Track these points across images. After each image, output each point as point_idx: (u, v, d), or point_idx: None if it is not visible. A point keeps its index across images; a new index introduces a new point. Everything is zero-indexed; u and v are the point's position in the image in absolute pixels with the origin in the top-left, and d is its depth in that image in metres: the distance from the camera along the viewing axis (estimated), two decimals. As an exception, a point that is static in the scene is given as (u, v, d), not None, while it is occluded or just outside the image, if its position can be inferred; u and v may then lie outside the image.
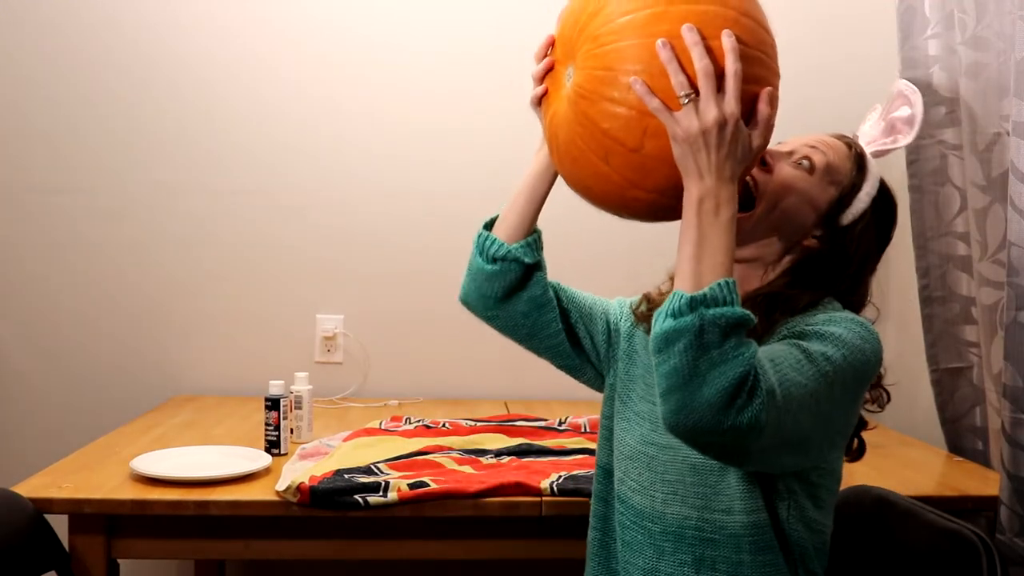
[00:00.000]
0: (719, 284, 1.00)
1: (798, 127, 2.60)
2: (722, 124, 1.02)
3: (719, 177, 1.03)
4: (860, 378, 1.15)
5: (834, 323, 1.15)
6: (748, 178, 1.21)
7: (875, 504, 1.50)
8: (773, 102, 1.09)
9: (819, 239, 1.25)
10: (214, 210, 2.56)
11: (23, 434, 2.53)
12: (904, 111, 1.37)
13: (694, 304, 0.99)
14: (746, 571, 1.20)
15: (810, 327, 1.14)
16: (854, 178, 1.27)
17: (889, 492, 1.52)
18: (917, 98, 1.38)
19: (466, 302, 1.42)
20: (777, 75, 1.13)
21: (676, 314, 0.99)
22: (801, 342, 1.11)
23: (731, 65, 1.03)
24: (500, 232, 1.37)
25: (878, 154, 1.37)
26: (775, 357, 1.05)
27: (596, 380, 1.46)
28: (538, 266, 1.38)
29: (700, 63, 1.02)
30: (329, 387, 2.54)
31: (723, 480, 1.20)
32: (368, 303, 2.60)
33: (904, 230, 2.14)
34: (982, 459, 1.99)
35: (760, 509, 1.19)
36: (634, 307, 1.39)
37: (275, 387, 1.92)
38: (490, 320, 1.41)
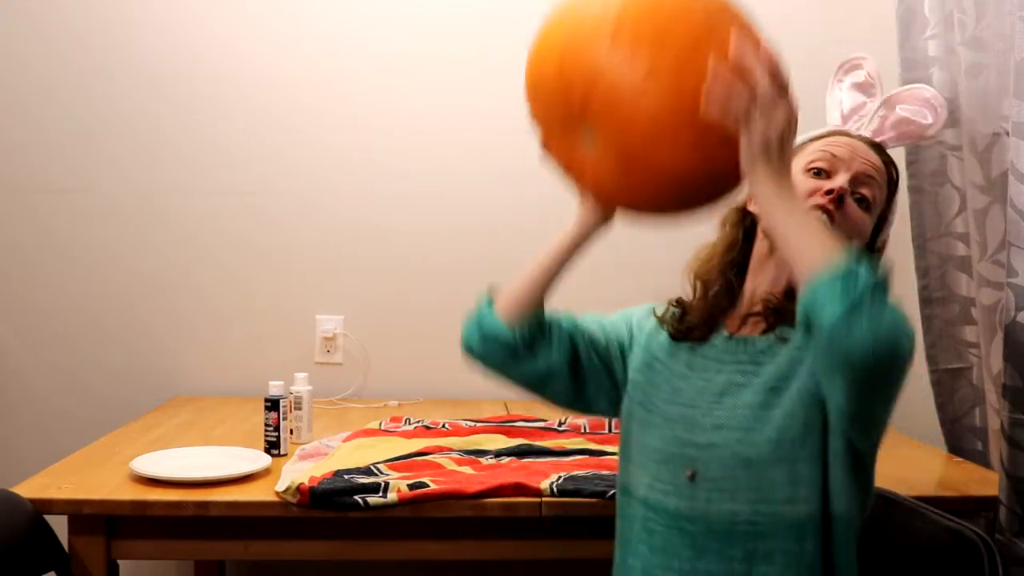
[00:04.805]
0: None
1: (800, 127, 2.56)
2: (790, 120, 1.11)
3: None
4: None
5: None
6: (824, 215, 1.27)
7: (878, 503, 1.50)
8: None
9: None
10: (214, 210, 2.56)
11: (23, 434, 2.53)
12: (926, 118, 1.39)
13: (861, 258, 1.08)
14: (808, 560, 1.20)
15: None
16: (888, 202, 1.35)
17: (891, 492, 1.52)
18: (941, 113, 1.40)
19: (467, 350, 1.39)
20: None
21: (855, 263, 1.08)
22: None
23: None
24: (501, 305, 1.35)
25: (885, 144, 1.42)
26: None
27: (609, 411, 1.43)
28: (538, 345, 1.34)
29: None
30: (329, 388, 2.54)
31: (782, 472, 1.20)
32: (368, 304, 2.60)
33: (904, 230, 2.14)
34: (982, 459, 1.99)
35: (818, 499, 1.20)
36: (662, 314, 1.38)
37: (275, 388, 1.92)
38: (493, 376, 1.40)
